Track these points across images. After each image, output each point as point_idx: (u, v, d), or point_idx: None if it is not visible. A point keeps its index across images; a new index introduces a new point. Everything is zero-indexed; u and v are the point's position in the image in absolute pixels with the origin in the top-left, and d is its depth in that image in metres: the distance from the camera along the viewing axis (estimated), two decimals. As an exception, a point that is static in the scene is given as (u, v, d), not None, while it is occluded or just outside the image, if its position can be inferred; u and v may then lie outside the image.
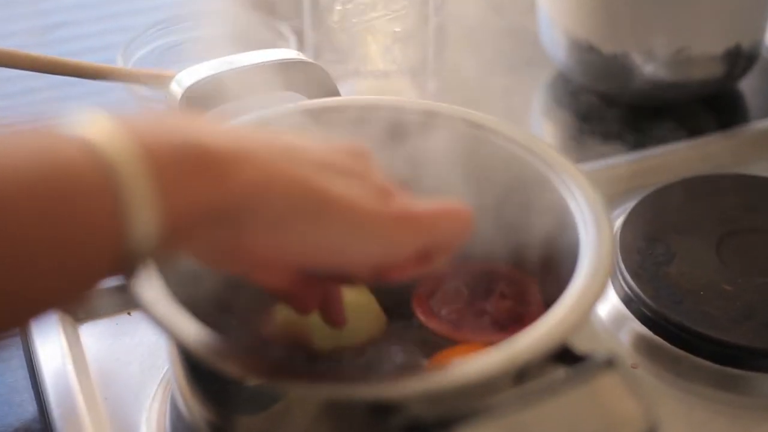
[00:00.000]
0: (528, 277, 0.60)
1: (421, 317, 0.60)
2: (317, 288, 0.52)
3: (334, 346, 0.56)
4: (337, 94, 0.63)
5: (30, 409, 0.63)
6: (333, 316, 0.54)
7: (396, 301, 0.60)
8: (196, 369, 0.53)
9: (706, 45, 0.83)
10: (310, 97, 0.63)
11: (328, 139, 0.50)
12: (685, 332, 0.65)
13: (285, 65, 0.63)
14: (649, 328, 0.66)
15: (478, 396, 0.45)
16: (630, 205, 0.73)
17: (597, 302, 0.49)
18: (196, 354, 0.47)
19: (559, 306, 0.49)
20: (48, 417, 0.61)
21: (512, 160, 0.59)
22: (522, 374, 0.48)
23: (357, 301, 0.58)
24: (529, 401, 0.45)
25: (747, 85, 0.90)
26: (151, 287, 0.49)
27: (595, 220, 0.54)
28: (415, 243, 0.49)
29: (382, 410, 0.46)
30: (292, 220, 0.45)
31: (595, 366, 0.46)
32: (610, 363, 0.46)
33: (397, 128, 0.60)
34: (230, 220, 0.43)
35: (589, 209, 0.55)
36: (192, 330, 0.47)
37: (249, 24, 0.85)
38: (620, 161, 0.80)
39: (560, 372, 0.47)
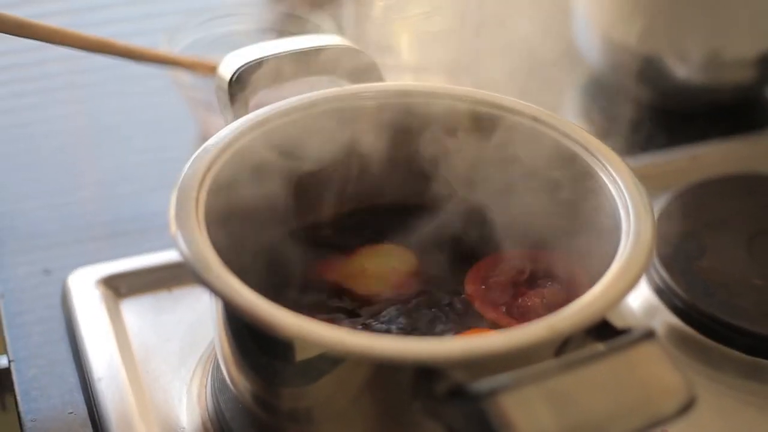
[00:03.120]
0: (581, 277, 0.61)
1: (469, 292, 0.61)
2: None
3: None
4: (382, 80, 0.65)
5: (71, 380, 0.65)
6: None
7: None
8: (244, 339, 0.54)
9: (739, 48, 0.84)
10: (355, 83, 0.64)
11: None
12: (716, 323, 0.66)
13: (332, 51, 0.64)
14: (681, 318, 0.67)
15: (519, 365, 0.46)
16: (662, 201, 0.74)
17: (639, 278, 0.50)
18: (250, 316, 0.48)
19: (601, 281, 0.50)
20: (90, 387, 0.63)
21: (554, 147, 0.60)
22: (563, 347, 0.49)
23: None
24: (569, 369, 0.45)
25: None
26: (202, 253, 0.50)
27: (635, 204, 0.55)
28: None
29: (427, 377, 0.47)
30: None
31: (635, 337, 0.47)
32: (649, 335, 0.47)
33: (441, 115, 0.62)
34: None
35: (629, 193, 0.56)
36: (246, 294, 0.48)
37: (290, 17, 0.87)
38: (652, 161, 0.82)
39: (601, 346, 0.48)
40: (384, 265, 0.61)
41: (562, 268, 0.62)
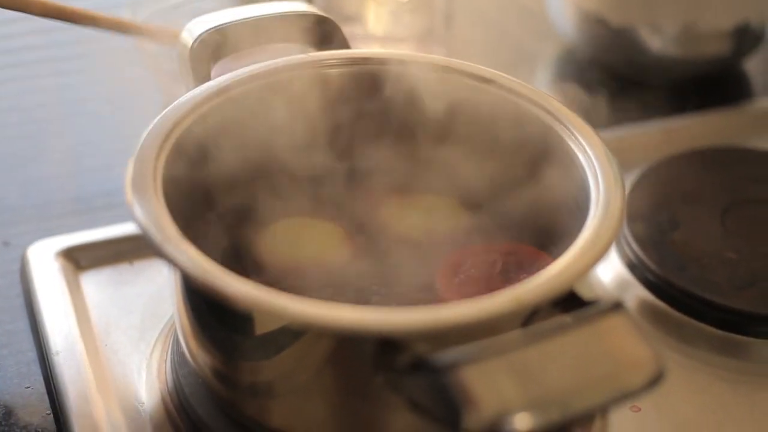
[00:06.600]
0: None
1: (442, 286, 0.59)
2: None
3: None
4: (347, 48, 0.63)
5: (29, 354, 0.63)
6: None
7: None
8: (203, 311, 0.53)
9: (714, 21, 0.83)
10: (320, 50, 0.63)
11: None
12: (688, 298, 0.65)
13: (296, 17, 0.62)
14: (653, 293, 0.66)
15: (484, 336, 0.45)
16: (635, 175, 0.73)
17: (607, 249, 0.49)
18: (207, 287, 0.46)
19: (569, 252, 0.49)
20: (48, 361, 0.61)
21: (524, 116, 0.59)
22: (530, 320, 0.48)
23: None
24: (534, 340, 0.44)
25: (752, 65, 0.91)
26: (159, 222, 0.49)
27: (605, 174, 0.54)
28: None
29: (389, 349, 0.45)
30: None
31: (602, 309, 0.46)
32: (617, 306, 0.46)
33: (408, 82, 0.61)
34: None
35: (599, 163, 0.54)
36: (203, 264, 0.47)
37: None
38: (625, 133, 0.81)
39: (568, 318, 0.47)
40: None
41: (535, 259, 0.61)
